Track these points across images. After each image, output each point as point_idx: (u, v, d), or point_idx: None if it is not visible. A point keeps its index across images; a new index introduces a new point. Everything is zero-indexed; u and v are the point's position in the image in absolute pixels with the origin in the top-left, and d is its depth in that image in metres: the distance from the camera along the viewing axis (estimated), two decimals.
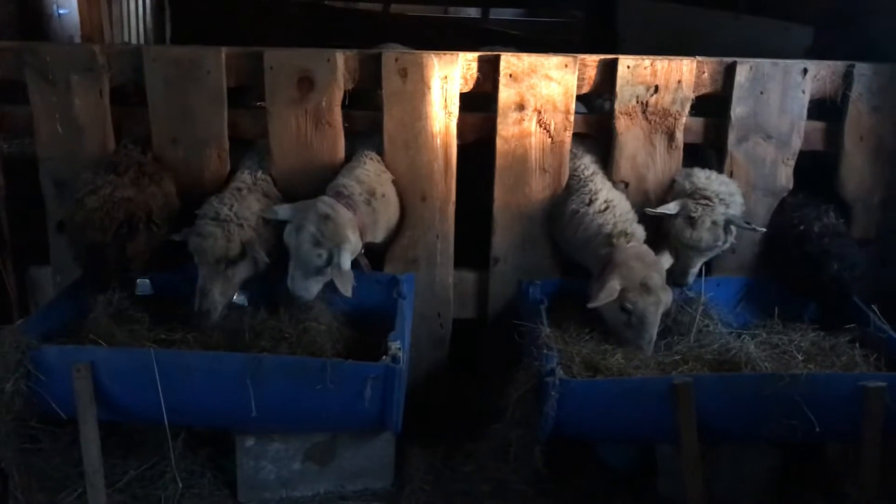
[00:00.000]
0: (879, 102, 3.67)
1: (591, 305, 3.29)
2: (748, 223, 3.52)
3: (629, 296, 3.27)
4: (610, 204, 3.55)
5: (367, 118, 3.73)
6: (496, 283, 3.84)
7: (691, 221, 3.47)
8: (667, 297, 3.34)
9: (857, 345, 3.41)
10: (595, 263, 3.50)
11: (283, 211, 3.38)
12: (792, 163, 3.75)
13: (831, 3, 4.28)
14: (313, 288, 3.32)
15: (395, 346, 3.13)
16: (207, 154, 3.65)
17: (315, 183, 3.64)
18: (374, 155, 3.65)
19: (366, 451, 3.40)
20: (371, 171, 3.54)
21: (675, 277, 3.52)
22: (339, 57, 3.57)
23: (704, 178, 3.55)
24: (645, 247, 3.44)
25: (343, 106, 3.64)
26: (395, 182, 3.68)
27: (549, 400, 3.02)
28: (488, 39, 7.11)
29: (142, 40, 6.65)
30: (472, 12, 9.37)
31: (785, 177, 3.77)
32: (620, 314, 3.32)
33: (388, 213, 3.61)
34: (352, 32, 7.44)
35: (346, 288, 3.23)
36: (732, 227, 3.50)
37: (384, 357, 3.09)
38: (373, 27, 7.69)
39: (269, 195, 3.59)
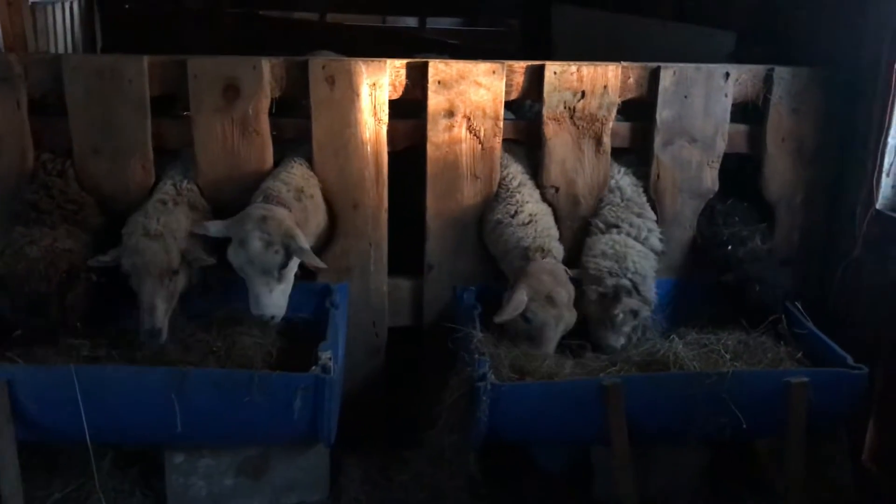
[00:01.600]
0: (799, 105, 3.73)
1: (498, 319, 3.27)
2: (641, 304, 3.46)
3: (532, 305, 3.29)
4: (534, 218, 3.57)
5: (295, 126, 3.66)
6: (431, 290, 3.82)
7: (582, 293, 3.47)
8: (570, 316, 3.38)
9: (782, 342, 3.46)
10: (511, 275, 3.51)
11: (215, 227, 3.30)
12: (717, 165, 3.79)
13: (752, 9, 4.37)
14: (281, 301, 3.26)
15: (325, 356, 3.09)
16: (131, 165, 3.56)
17: (243, 192, 3.56)
18: (302, 161, 3.61)
19: (300, 463, 3.34)
20: (297, 174, 3.49)
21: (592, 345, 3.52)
22: (265, 64, 3.52)
23: (599, 251, 3.53)
24: (559, 265, 3.46)
25: (271, 114, 3.58)
26: (325, 190, 3.63)
27: (480, 405, 3.02)
28: (426, 48, 7.10)
29: (69, 52, 6.48)
30: (411, 21, 9.37)
31: (710, 179, 3.81)
32: (521, 323, 3.33)
33: (318, 216, 3.57)
34: (288, 42, 7.34)
35: (317, 262, 3.22)
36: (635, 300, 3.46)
37: (314, 367, 3.03)
38: (309, 37, 7.64)
39: (196, 206, 3.51)
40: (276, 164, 3.64)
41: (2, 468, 2.93)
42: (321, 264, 3.22)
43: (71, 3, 6.55)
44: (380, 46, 5.67)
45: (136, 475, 3.36)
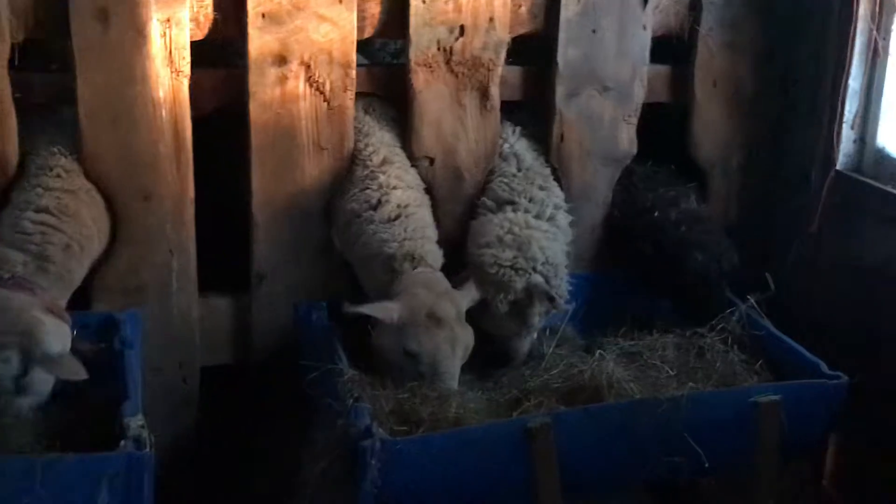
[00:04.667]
0: (734, 38, 3.95)
1: (345, 309, 3.29)
2: (557, 301, 3.57)
3: (412, 333, 3.29)
4: (403, 211, 3.55)
5: (52, 85, 3.48)
6: (262, 311, 3.76)
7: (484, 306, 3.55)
8: (465, 334, 3.40)
9: (735, 347, 3.62)
10: (373, 291, 3.51)
11: None
12: (634, 120, 3.95)
13: None
14: (25, 412, 3.04)
15: (136, 423, 2.93)
16: None
17: None
18: (54, 159, 3.38)
19: None
20: (47, 206, 3.27)
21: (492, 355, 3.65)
22: None
23: (494, 237, 3.61)
24: (437, 274, 3.50)
25: (12, 67, 3.32)
26: (99, 179, 3.46)
27: (367, 470, 2.93)
28: None
29: None
30: None
31: (627, 138, 3.96)
32: (407, 360, 3.33)
33: (92, 248, 3.41)
34: None
35: (76, 373, 3.01)
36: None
37: (124, 442, 2.86)
38: None
39: None
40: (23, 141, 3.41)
41: None
42: (83, 375, 3.02)
43: None
44: None
45: None
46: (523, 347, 3.66)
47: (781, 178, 4.10)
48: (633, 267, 3.95)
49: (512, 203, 3.73)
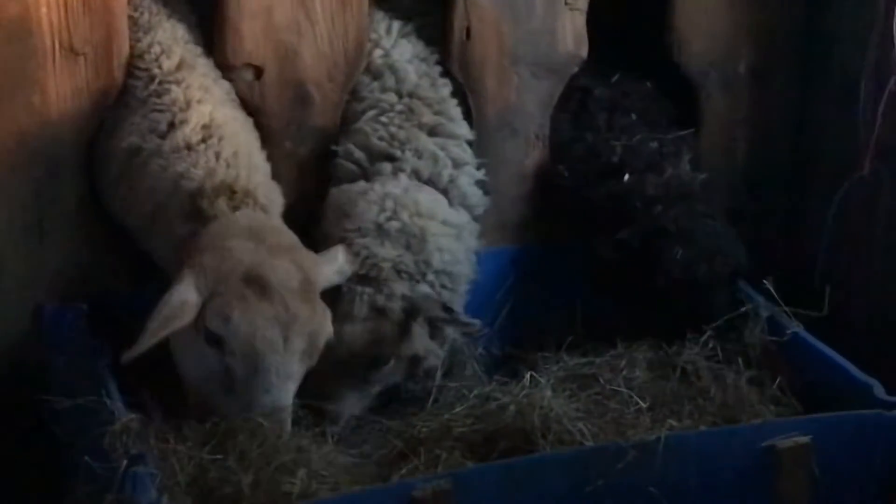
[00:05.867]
0: None
1: (125, 357, 3.07)
2: (448, 314, 3.54)
3: (216, 309, 3.10)
4: (215, 132, 3.45)
5: None
6: None
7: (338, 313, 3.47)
8: (314, 316, 3.25)
9: (741, 361, 3.54)
10: (171, 259, 3.37)
11: None
12: (584, 5, 3.82)
13: None
14: None
15: None
16: None
17: None
18: None
19: None
20: None
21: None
22: None
23: (371, 224, 3.59)
24: (274, 220, 3.42)
25: None
26: None
27: None
28: None
29: None
30: None
31: (573, 34, 3.85)
32: (208, 354, 3.16)
33: None
34: None
35: None
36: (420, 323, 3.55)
37: None
38: None
39: None
40: None
41: None
42: None
43: None
44: None
45: None
46: (349, 400, 3.53)
47: (815, 93, 4.00)
48: (583, 243, 3.89)
49: (391, 159, 3.66)
